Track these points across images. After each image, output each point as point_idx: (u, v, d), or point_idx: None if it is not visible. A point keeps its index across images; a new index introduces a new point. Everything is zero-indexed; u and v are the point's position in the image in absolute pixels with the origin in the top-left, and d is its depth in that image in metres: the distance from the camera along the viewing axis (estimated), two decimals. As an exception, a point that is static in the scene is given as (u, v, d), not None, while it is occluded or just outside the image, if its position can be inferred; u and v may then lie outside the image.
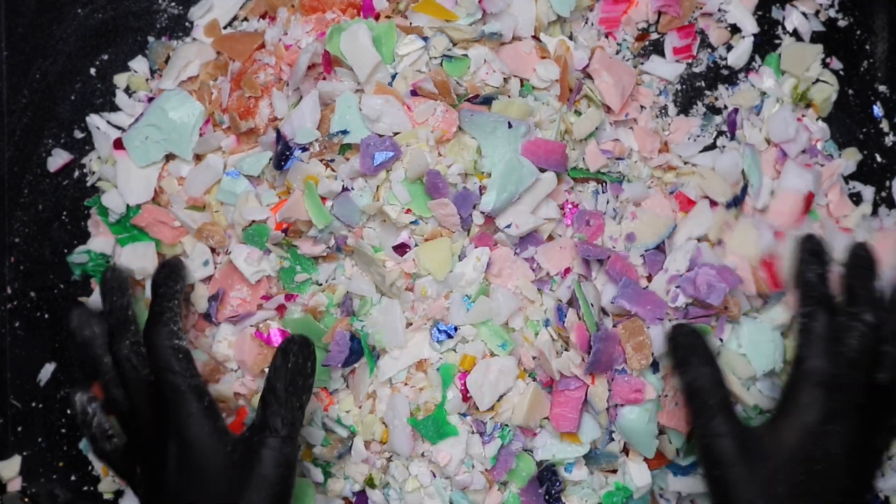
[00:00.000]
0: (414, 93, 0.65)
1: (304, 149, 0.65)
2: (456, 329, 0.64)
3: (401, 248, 0.64)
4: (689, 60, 0.73)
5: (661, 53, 0.73)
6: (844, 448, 0.57)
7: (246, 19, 0.72)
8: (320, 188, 0.64)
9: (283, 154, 0.65)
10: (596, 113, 0.68)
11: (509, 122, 0.64)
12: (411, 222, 0.64)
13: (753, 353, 0.66)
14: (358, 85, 0.66)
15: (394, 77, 0.66)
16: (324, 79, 0.67)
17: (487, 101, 0.65)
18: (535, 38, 0.69)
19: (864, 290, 0.61)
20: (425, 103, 0.64)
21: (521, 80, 0.67)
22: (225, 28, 0.72)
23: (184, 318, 0.65)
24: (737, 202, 0.69)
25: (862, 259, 0.63)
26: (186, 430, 0.57)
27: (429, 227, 0.64)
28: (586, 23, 0.72)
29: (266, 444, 0.56)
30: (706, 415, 0.58)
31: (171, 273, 0.62)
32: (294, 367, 0.57)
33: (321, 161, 0.65)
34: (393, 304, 0.64)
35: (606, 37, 0.72)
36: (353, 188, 0.64)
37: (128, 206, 0.69)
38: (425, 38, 0.66)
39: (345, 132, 0.64)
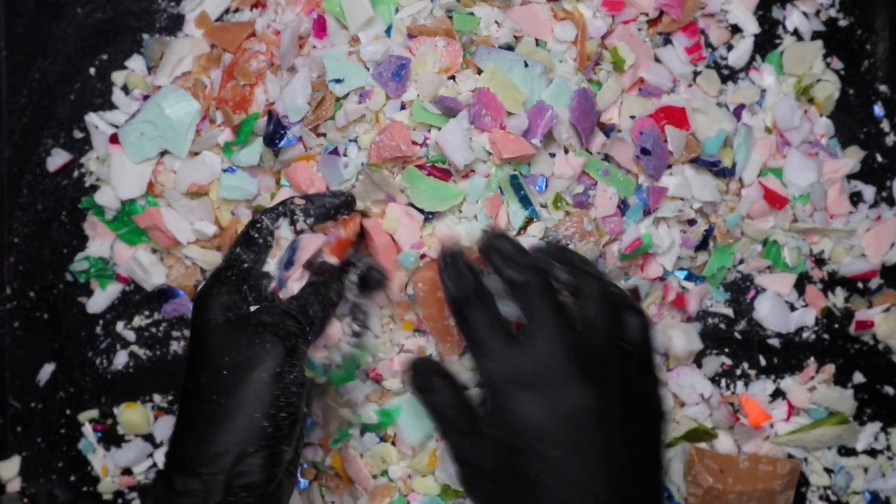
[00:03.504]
0: (410, 39, 0.64)
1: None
2: None
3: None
4: (699, 61, 0.71)
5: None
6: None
7: (238, 10, 0.70)
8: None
9: (275, 132, 0.64)
10: (617, 83, 0.67)
11: (525, 62, 0.63)
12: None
13: None
14: (350, 45, 0.65)
15: (389, 30, 0.65)
16: (314, 48, 0.66)
17: (506, 48, 0.64)
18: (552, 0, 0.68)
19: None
20: (425, 42, 0.63)
21: (537, 41, 0.66)
22: (218, 20, 0.71)
23: None
24: (726, 173, 0.69)
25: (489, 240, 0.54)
26: None
27: None
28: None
29: None
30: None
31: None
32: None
33: (313, 131, 0.64)
34: None
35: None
36: (343, 152, 0.63)
37: (123, 202, 0.68)
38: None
39: (339, 80, 0.63)
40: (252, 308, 0.56)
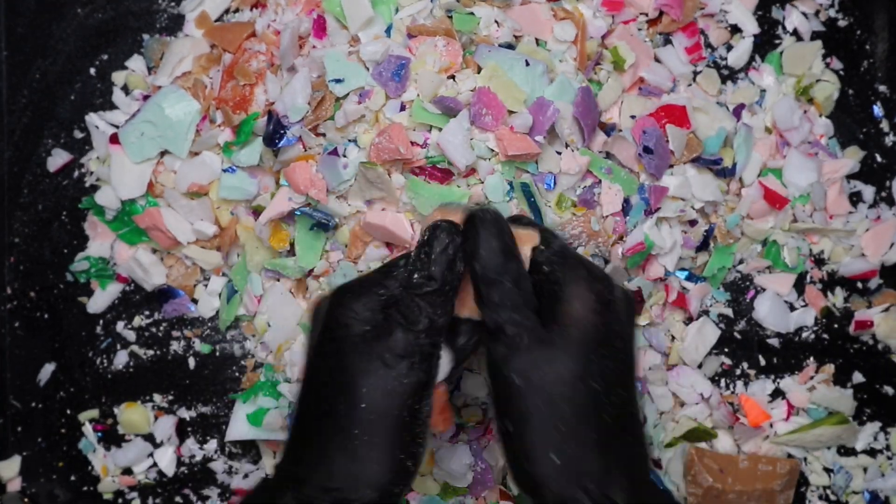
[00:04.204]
0: (410, 39, 0.64)
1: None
2: None
3: None
4: (699, 61, 0.71)
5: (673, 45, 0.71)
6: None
7: (238, 10, 0.70)
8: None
9: (275, 132, 0.64)
10: (617, 82, 0.67)
11: (527, 61, 0.63)
12: None
13: None
14: (350, 45, 0.65)
15: (389, 30, 0.65)
16: (314, 48, 0.65)
17: (506, 47, 0.64)
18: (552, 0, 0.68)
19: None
20: (425, 41, 0.63)
21: (537, 40, 0.66)
22: (218, 20, 0.70)
23: None
24: (726, 174, 0.68)
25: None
26: None
27: None
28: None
29: None
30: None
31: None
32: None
33: (312, 132, 0.64)
34: None
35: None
36: (343, 154, 0.63)
37: (123, 202, 0.68)
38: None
39: (339, 80, 0.62)
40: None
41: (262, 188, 0.67)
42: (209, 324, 0.71)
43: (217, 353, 0.71)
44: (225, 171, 0.67)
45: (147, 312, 0.71)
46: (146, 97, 0.70)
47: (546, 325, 0.48)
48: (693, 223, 0.68)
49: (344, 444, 0.47)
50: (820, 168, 0.70)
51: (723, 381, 0.72)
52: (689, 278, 0.70)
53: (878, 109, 0.73)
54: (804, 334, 0.72)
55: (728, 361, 0.72)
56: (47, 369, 0.71)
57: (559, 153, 0.64)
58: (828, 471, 0.72)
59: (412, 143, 0.62)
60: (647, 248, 0.65)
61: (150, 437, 0.71)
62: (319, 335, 0.51)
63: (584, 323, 0.47)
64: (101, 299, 0.71)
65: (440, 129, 0.62)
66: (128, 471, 0.71)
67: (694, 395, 0.70)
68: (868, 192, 0.72)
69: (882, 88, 0.73)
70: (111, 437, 0.71)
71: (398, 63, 0.62)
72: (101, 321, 0.71)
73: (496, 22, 0.65)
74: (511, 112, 0.62)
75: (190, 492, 0.71)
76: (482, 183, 0.63)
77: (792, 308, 0.72)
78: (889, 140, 0.73)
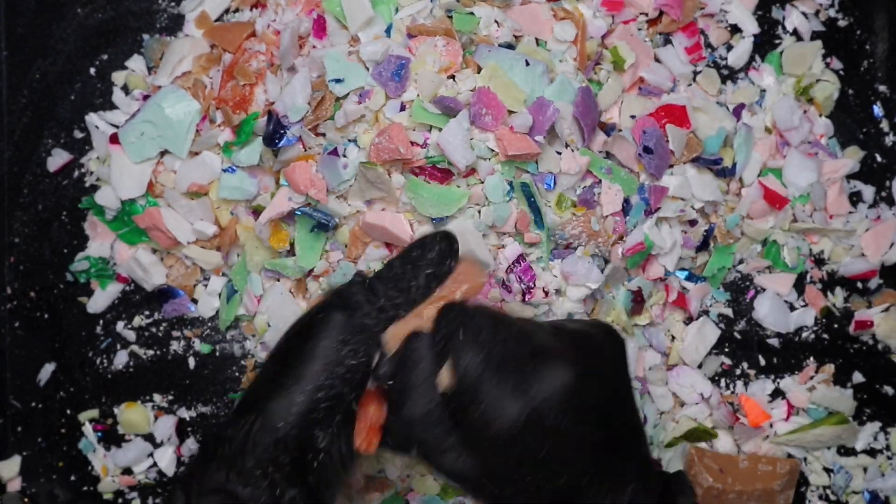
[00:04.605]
0: (410, 39, 0.64)
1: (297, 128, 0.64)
2: None
3: None
4: (699, 61, 0.71)
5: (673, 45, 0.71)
6: None
7: (238, 10, 0.70)
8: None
9: (275, 132, 0.63)
10: (617, 82, 0.67)
11: (527, 61, 0.63)
12: None
13: None
14: (350, 45, 0.65)
15: (389, 30, 0.65)
16: (314, 48, 0.65)
17: (506, 47, 0.64)
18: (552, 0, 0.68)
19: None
20: (425, 41, 0.63)
21: (537, 40, 0.66)
22: (218, 20, 0.70)
23: None
24: (726, 173, 0.68)
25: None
26: None
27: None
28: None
29: None
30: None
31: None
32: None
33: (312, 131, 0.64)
34: None
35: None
36: (343, 154, 0.63)
37: (123, 202, 0.68)
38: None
39: (339, 80, 0.62)
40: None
41: (262, 188, 0.67)
42: (209, 324, 0.71)
43: (217, 353, 0.71)
44: (225, 171, 0.67)
45: (147, 312, 0.71)
46: (146, 97, 0.70)
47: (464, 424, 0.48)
48: (693, 223, 0.68)
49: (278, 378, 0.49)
50: (820, 168, 0.70)
51: (723, 381, 0.72)
52: (689, 278, 0.70)
53: (878, 109, 0.73)
54: (804, 334, 0.72)
55: (728, 361, 0.72)
56: (47, 369, 0.71)
57: (559, 153, 0.64)
58: (828, 471, 0.72)
59: (412, 143, 0.62)
60: (647, 248, 0.65)
61: (150, 437, 0.71)
62: None
63: (494, 440, 0.47)
64: (101, 299, 0.71)
65: (440, 129, 0.62)
66: (128, 471, 0.71)
67: (694, 395, 0.70)
68: (868, 192, 0.72)
69: (882, 88, 0.73)
70: (111, 437, 0.71)
71: (398, 63, 0.62)
72: (101, 321, 0.71)
73: (496, 22, 0.65)
74: (511, 112, 0.62)
75: (190, 492, 0.71)
76: (482, 183, 0.63)
77: (792, 308, 0.72)
78: (889, 140, 0.73)
